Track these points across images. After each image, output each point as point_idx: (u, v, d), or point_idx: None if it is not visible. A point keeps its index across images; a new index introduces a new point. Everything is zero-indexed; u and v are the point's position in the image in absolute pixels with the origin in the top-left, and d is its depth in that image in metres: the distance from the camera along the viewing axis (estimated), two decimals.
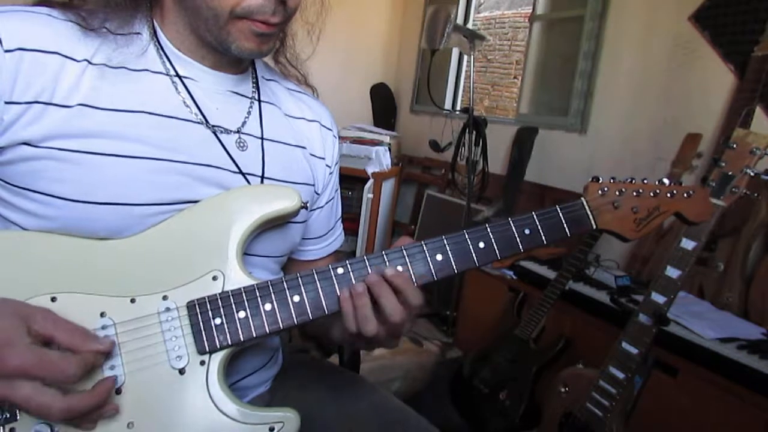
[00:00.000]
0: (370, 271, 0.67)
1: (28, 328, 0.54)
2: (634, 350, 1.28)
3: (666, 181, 0.77)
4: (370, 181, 3.22)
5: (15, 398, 0.52)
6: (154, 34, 0.72)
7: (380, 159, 3.28)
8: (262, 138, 0.78)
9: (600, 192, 0.74)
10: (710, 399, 1.52)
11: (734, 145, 1.10)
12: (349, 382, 0.93)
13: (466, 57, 3.61)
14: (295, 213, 0.72)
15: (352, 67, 4.03)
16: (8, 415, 0.56)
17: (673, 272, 1.24)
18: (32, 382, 0.53)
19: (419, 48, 3.86)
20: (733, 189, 1.07)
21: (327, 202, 0.92)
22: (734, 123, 1.86)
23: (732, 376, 1.47)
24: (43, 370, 0.53)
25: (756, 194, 1.07)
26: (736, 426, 1.47)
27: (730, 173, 1.09)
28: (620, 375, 1.30)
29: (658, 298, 1.26)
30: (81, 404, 0.55)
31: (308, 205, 0.75)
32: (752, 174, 1.06)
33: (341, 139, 3.29)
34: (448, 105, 3.77)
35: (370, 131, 3.44)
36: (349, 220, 3.26)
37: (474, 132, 2.89)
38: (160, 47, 0.72)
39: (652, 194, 0.75)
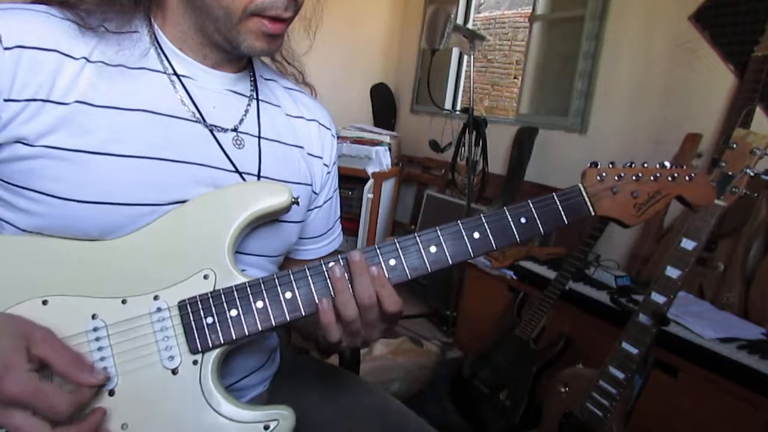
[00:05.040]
0: None
1: (28, 351, 0.54)
2: (634, 350, 1.28)
3: (667, 164, 0.74)
4: (370, 181, 3.22)
5: (9, 425, 0.53)
6: (153, 32, 0.71)
7: (380, 159, 3.28)
8: (259, 137, 0.78)
9: (598, 177, 0.72)
10: (710, 399, 1.51)
11: (734, 145, 1.09)
12: (348, 383, 0.93)
13: (466, 57, 3.61)
14: (287, 209, 0.71)
15: (352, 67, 4.03)
16: None
17: (673, 272, 1.24)
18: (23, 411, 0.53)
19: (419, 48, 3.85)
20: (733, 189, 1.06)
21: (325, 202, 0.91)
22: (734, 123, 1.85)
23: (732, 376, 1.46)
24: (36, 401, 0.53)
25: (756, 194, 1.06)
26: (736, 426, 1.46)
27: (730, 173, 1.08)
28: (620, 375, 1.29)
29: (658, 298, 1.25)
30: None
31: (300, 201, 0.74)
32: (752, 174, 1.06)
33: (341, 139, 3.28)
34: (448, 105, 3.76)
35: (370, 131, 3.44)
36: (349, 220, 3.25)
37: (474, 132, 2.89)
38: (158, 45, 0.71)
39: (652, 178, 0.73)
